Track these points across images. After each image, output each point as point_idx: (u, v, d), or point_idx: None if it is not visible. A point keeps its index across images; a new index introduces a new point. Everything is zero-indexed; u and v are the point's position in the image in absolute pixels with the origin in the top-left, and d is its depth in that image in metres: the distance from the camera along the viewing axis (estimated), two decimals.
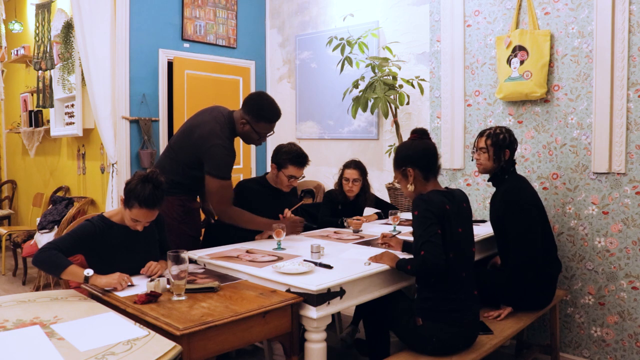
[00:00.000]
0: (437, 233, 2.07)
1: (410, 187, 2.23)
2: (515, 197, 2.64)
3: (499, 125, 3.45)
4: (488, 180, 2.85)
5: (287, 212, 2.90)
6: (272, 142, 5.16)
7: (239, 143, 2.95)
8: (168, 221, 2.56)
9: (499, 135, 2.73)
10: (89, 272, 2.06)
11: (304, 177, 3.12)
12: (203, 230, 3.11)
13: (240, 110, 2.80)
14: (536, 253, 2.58)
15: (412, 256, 2.42)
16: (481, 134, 2.80)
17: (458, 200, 2.23)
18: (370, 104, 3.69)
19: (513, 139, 2.76)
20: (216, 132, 2.69)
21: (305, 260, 2.30)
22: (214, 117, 2.77)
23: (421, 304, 2.16)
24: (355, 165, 3.40)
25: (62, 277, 2.10)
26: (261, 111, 2.75)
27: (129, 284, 2.10)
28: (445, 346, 2.12)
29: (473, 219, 3.45)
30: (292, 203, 3.15)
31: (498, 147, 2.71)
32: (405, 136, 3.94)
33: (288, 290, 2.05)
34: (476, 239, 2.87)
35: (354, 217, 3.20)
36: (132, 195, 2.15)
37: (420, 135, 2.34)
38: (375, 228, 3.24)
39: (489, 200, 2.90)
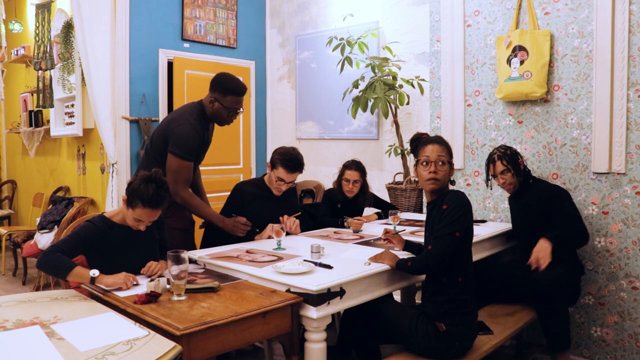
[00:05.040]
0: (455, 236, 2.06)
1: (444, 178, 2.16)
2: (557, 189, 2.90)
3: (498, 124, 3.45)
4: (512, 195, 3.01)
5: (286, 218, 2.90)
6: (273, 142, 5.16)
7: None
8: None
9: (507, 151, 2.92)
10: (94, 272, 2.07)
11: (294, 184, 3.09)
12: (203, 230, 3.11)
13: (208, 93, 2.87)
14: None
15: (411, 255, 2.42)
16: (492, 161, 2.95)
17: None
18: (370, 104, 3.69)
19: (514, 149, 2.98)
20: (183, 114, 2.79)
21: (305, 260, 2.30)
22: (186, 105, 2.91)
23: (439, 309, 2.11)
24: (357, 166, 3.39)
25: (68, 279, 2.11)
26: (226, 85, 2.82)
27: (134, 283, 2.11)
28: (463, 348, 2.12)
29: (472, 219, 3.47)
30: (291, 204, 3.14)
31: (514, 162, 2.90)
32: (405, 136, 3.95)
33: (288, 290, 2.05)
34: (476, 239, 2.88)
35: (354, 217, 3.20)
36: (135, 195, 2.15)
37: None
38: (375, 228, 3.24)
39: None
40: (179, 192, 2.75)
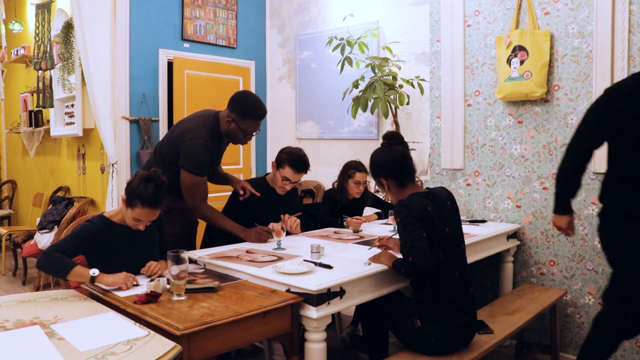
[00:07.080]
0: (422, 236, 2.06)
1: (389, 196, 2.28)
2: None
3: (498, 124, 3.45)
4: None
5: (287, 217, 2.91)
6: (273, 142, 5.16)
7: (232, 146, 2.96)
8: None
9: None
10: (94, 272, 2.08)
11: (300, 184, 3.11)
12: (204, 231, 3.11)
13: (226, 109, 2.81)
14: None
15: None
16: None
17: (440, 199, 2.21)
18: (370, 104, 3.69)
19: None
20: (197, 128, 2.72)
21: (305, 260, 2.31)
22: (199, 115, 2.82)
23: (418, 306, 2.17)
24: (364, 167, 3.42)
25: (68, 278, 2.11)
26: (247, 109, 2.75)
27: (134, 283, 2.11)
28: (443, 346, 2.12)
29: (472, 219, 3.47)
30: (293, 204, 3.15)
31: None
32: (406, 136, 3.95)
33: (288, 290, 2.05)
34: (476, 238, 2.89)
35: (354, 217, 3.20)
36: (134, 194, 2.15)
37: (390, 140, 2.32)
38: (375, 228, 3.24)
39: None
40: (198, 208, 2.76)
